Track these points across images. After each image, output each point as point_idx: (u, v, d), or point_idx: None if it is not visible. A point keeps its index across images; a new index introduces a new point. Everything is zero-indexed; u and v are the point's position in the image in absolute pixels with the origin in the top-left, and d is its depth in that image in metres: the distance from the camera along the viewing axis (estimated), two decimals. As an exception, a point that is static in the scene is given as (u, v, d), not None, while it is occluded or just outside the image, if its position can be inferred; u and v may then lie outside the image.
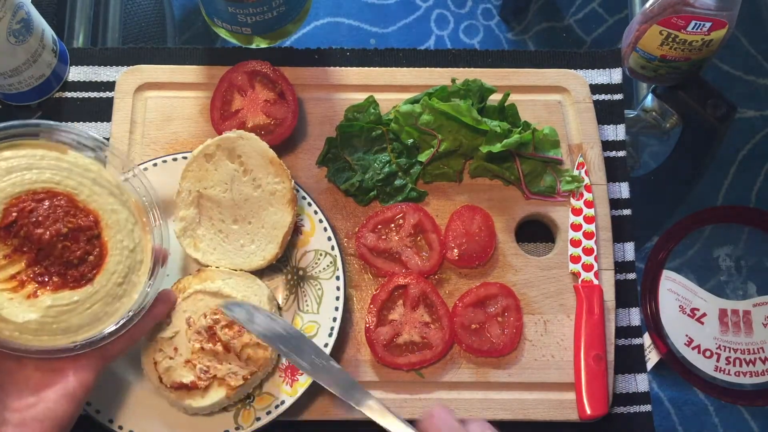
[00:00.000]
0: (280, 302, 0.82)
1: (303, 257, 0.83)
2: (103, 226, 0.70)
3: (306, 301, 0.81)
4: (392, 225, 0.85)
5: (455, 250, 0.84)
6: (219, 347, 0.75)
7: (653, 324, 0.86)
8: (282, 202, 0.80)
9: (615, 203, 0.90)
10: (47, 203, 0.68)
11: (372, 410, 0.70)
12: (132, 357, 0.78)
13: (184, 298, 0.77)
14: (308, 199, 0.83)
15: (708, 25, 0.83)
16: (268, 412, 0.76)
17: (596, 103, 0.92)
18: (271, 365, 0.77)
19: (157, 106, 0.90)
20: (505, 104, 0.88)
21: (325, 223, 0.82)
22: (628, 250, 0.89)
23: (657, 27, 0.86)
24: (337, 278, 0.81)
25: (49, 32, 0.88)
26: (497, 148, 0.84)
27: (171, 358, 0.76)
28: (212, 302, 0.77)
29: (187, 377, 0.75)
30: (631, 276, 0.88)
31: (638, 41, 0.90)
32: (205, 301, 0.77)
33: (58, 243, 0.67)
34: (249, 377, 0.75)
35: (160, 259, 0.72)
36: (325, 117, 0.91)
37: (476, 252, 0.84)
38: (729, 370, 0.84)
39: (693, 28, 0.84)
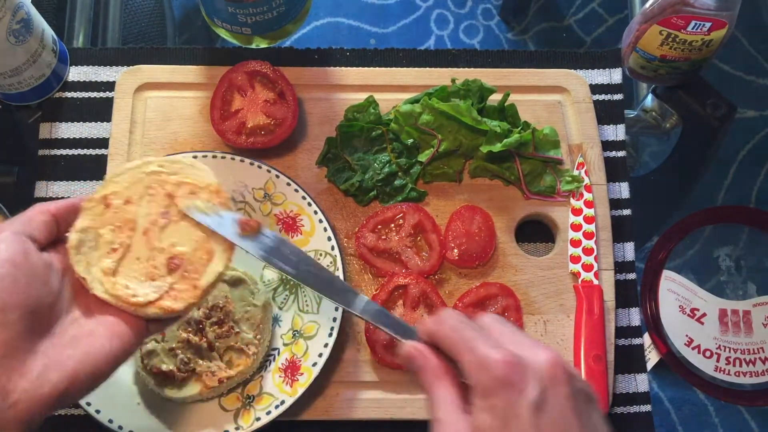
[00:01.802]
0: (279, 302, 0.82)
1: (303, 257, 0.83)
2: None
3: (306, 301, 0.81)
4: (392, 225, 0.85)
5: (455, 250, 0.84)
6: (204, 344, 0.76)
7: (653, 324, 0.86)
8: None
9: (615, 203, 0.90)
10: None
11: (369, 313, 0.62)
12: (133, 359, 0.78)
13: None
14: (308, 199, 0.83)
15: (708, 25, 0.83)
16: (268, 412, 0.76)
17: (596, 103, 0.92)
18: (249, 373, 0.77)
19: (157, 106, 0.90)
20: (505, 104, 0.88)
21: (325, 223, 0.82)
22: (628, 250, 0.89)
23: (657, 27, 0.86)
24: (337, 278, 0.81)
25: (49, 32, 0.88)
26: (497, 148, 0.84)
27: (157, 341, 0.76)
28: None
29: (167, 365, 0.75)
30: (631, 276, 0.88)
31: (638, 41, 0.90)
32: None
33: None
34: (224, 381, 0.75)
35: None
36: (325, 117, 0.91)
37: (476, 252, 0.84)
38: (729, 370, 0.84)
39: (693, 28, 0.84)
